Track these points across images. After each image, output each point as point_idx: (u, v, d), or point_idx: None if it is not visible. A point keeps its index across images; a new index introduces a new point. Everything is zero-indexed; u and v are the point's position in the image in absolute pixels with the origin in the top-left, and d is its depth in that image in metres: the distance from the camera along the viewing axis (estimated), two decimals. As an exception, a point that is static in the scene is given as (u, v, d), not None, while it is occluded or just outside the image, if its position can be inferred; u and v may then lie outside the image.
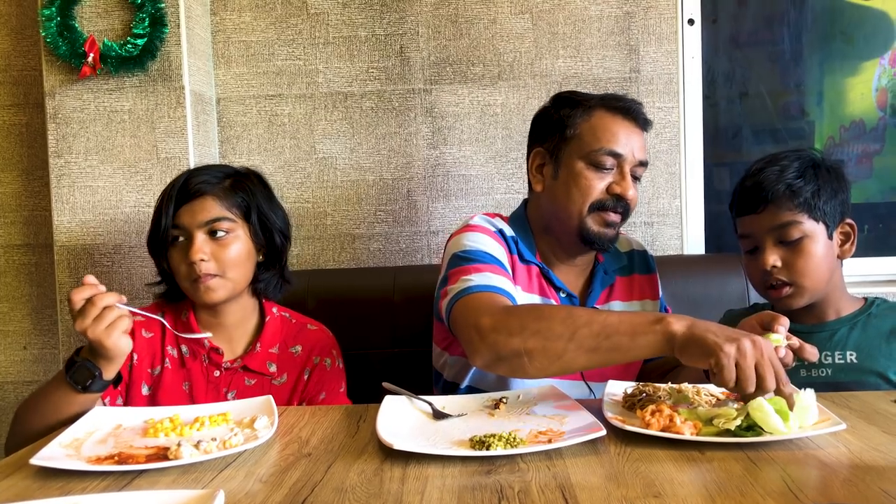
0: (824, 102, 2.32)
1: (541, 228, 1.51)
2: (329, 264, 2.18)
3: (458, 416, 1.18)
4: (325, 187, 2.18)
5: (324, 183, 2.18)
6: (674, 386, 1.22)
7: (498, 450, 0.97)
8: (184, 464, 1.00)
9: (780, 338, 1.16)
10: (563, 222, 1.44)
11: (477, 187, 2.16)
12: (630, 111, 1.43)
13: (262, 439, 1.07)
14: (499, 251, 1.42)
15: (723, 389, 1.22)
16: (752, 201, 1.41)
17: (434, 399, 1.23)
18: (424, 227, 2.17)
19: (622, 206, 1.42)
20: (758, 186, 1.40)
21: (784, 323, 1.17)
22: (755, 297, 1.89)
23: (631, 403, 1.18)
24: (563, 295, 1.48)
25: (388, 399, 1.22)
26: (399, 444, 0.99)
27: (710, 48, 2.25)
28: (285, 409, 1.29)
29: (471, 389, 1.49)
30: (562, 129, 1.44)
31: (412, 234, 2.17)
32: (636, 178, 1.44)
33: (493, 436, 1.01)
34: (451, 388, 1.53)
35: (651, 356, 1.10)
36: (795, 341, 1.15)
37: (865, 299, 1.48)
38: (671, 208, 2.17)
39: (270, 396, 1.26)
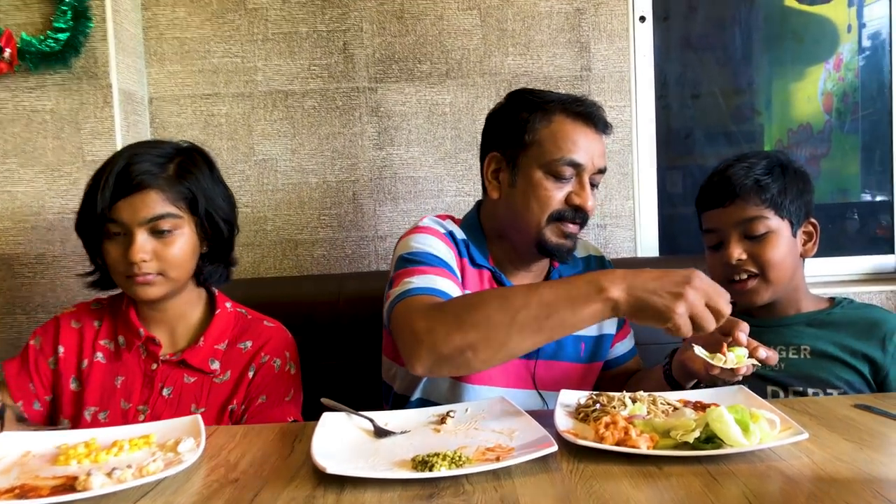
0: (772, 106, 2.36)
1: (495, 233, 1.46)
2: (270, 272, 2.10)
3: (401, 433, 1.10)
4: (265, 191, 2.09)
5: (264, 186, 2.09)
6: (628, 394, 1.17)
7: (441, 470, 0.90)
8: (93, 496, 0.90)
9: (744, 353, 1.13)
10: (520, 231, 1.40)
11: (426, 189, 2.10)
12: (591, 116, 1.38)
13: (185, 464, 0.98)
14: (447, 254, 1.37)
15: (679, 396, 1.18)
16: (720, 195, 1.41)
17: (376, 415, 1.16)
18: (371, 231, 2.10)
19: (581, 216, 1.37)
20: (726, 181, 1.41)
21: (744, 329, 1.15)
22: None
23: (584, 414, 1.12)
24: None
25: (325, 416, 1.14)
26: (333, 468, 0.91)
27: (661, 47, 2.23)
28: (215, 428, 1.20)
29: (422, 402, 1.42)
30: (519, 134, 1.37)
31: (358, 240, 2.10)
32: (594, 186, 1.40)
33: (437, 455, 0.94)
34: (401, 401, 1.46)
35: (597, 322, 1.10)
36: (762, 352, 1.14)
37: (833, 299, 1.46)
38: (624, 210, 2.14)
39: (198, 416, 1.16)
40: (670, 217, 2.25)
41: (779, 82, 2.36)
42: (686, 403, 1.17)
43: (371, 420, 1.14)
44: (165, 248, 1.34)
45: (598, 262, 1.57)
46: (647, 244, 2.18)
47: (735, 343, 1.14)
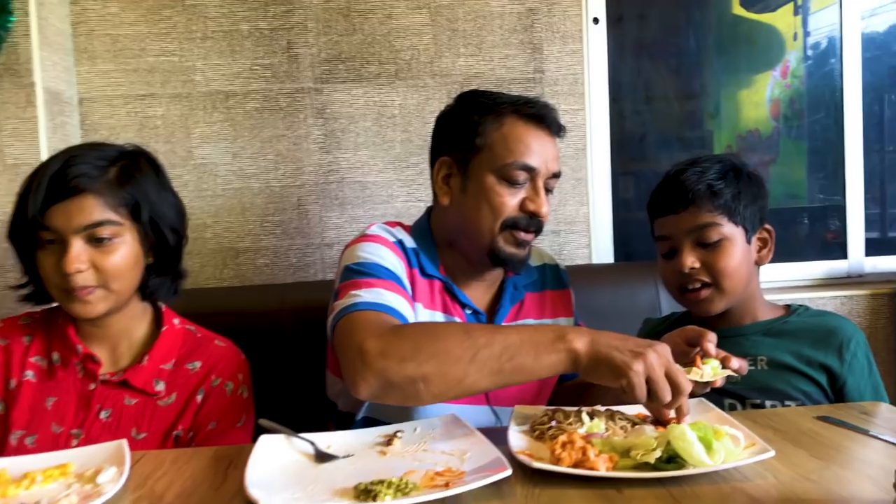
0: (722, 112, 2.39)
1: (446, 241, 1.40)
2: (210, 282, 2.01)
3: (344, 457, 1.03)
4: (205, 197, 2.00)
5: (203, 192, 2.00)
6: (585, 409, 1.12)
7: (386, 500, 0.84)
8: (-7, 538, 0.81)
9: (717, 364, 1.10)
10: (472, 240, 1.34)
11: (375, 195, 2.04)
12: (544, 119, 1.33)
13: (103, 497, 0.90)
14: (396, 264, 1.30)
15: (638, 410, 1.14)
16: (672, 201, 1.36)
17: (317, 437, 1.08)
18: (317, 239, 2.03)
19: (535, 223, 1.32)
20: (678, 186, 1.36)
21: (712, 339, 1.12)
22: (666, 305, 1.85)
23: (540, 432, 1.07)
24: (468, 311, 1.37)
25: (263, 440, 1.06)
26: (266, 500, 0.83)
27: (614, 50, 2.20)
28: (142, 454, 1.11)
29: (368, 421, 1.35)
30: (470, 137, 1.33)
31: (304, 248, 2.03)
32: (549, 191, 1.35)
33: (382, 482, 0.87)
34: (346, 420, 1.39)
35: (556, 374, 1.07)
36: (734, 362, 1.10)
37: (789, 307, 1.43)
38: (578, 216, 2.11)
39: (123, 441, 1.07)
40: (625, 222, 2.23)
41: (728, 89, 2.39)
42: (645, 418, 1.12)
43: (312, 443, 1.06)
44: (104, 257, 1.23)
45: (552, 272, 1.52)
46: (602, 250, 2.15)
47: (704, 354, 1.11)
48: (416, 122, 2.03)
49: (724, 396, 1.34)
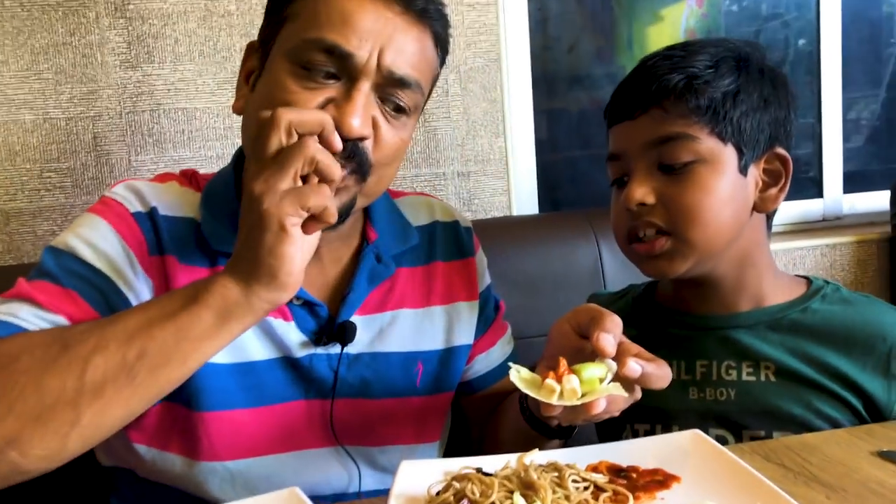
0: (634, 46, 2.27)
1: None
2: (-33, 261, 1.57)
3: None
4: None
5: None
6: (513, 463, 0.74)
7: None
8: None
9: (601, 371, 0.74)
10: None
11: (206, 127, 1.62)
12: None
13: None
14: (116, 261, 0.92)
15: (599, 455, 0.77)
16: (630, 100, 0.97)
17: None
18: (125, 192, 1.58)
19: (348, 147, 0.85)
20: (643, 76, 0.97)
21: (610, 326, 0.77)
22: (610, 269, 1.56)
23: (440, 523, 0.66)
24: (296, 304, 0.95)
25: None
26: None
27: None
28: None
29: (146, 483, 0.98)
30: (279, 8, 0.94)
31: (106, 206, 1.58)
32: (402, 110, 0.90)
33: None
34: (127, 483, 1.01)
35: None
36: (632, 364, 0.75)
37: (810, 282, 1.03)
38: (493, 151, 1.75)
39: None
40: (552, 161, 1.91)
41: (639, 22, 2.27)
42: (614, 475, 0.74)
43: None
44: None
45: (448, 233, 1.11)
46: (525, 197, 1.82)
47: (596, 353, 0.75)
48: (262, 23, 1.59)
49: (707, 423, 0.96)
